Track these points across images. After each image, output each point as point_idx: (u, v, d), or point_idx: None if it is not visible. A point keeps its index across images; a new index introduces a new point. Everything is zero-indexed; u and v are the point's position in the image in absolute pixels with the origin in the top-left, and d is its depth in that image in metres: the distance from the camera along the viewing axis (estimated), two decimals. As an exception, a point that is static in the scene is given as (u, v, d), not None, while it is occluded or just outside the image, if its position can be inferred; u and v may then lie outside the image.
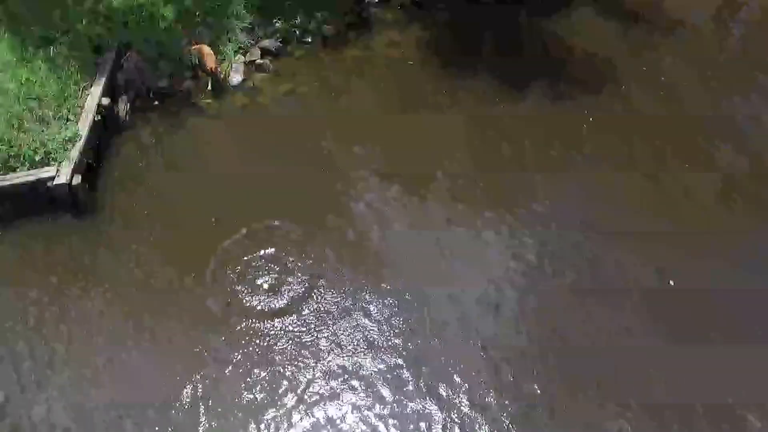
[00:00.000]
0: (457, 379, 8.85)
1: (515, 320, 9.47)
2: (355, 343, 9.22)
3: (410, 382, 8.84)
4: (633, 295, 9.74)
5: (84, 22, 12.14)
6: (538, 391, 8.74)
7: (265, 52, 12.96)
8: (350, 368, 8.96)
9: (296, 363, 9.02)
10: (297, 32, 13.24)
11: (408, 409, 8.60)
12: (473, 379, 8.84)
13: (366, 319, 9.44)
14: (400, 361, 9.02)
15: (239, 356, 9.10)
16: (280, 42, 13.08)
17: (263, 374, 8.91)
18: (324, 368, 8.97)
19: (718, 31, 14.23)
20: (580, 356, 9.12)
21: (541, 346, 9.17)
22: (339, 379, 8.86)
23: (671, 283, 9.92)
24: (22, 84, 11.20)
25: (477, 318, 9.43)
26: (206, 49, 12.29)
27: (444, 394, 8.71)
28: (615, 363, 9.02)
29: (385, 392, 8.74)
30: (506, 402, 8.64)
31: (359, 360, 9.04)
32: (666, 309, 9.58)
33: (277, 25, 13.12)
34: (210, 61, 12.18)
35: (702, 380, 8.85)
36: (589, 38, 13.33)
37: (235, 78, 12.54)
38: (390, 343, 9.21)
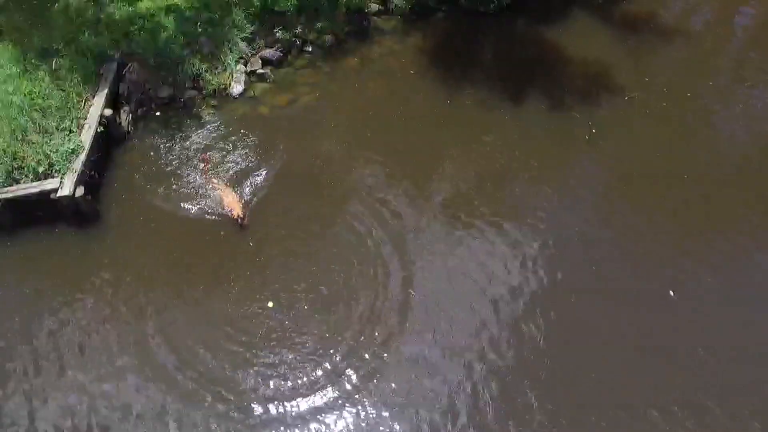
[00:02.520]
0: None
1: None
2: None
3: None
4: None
5: (86, 33, 12.24)
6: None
7: (266, 62, 13.01)
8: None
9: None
10: (298, 42, 13.29)
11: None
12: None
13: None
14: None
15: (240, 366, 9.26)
16: (280, 52, 13.13)
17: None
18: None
19: (719, 38, 14.19)
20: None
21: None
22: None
23: (672, 293, 10.01)
24: (25, 96, 11.31)
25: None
26: (229, 196, 10.84)
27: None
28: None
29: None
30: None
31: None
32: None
33: (277, 35, 13.16)
34: (235, 207, 10.64)
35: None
36: (590, 47, 13.31)
37: (237, 88, 12.59)
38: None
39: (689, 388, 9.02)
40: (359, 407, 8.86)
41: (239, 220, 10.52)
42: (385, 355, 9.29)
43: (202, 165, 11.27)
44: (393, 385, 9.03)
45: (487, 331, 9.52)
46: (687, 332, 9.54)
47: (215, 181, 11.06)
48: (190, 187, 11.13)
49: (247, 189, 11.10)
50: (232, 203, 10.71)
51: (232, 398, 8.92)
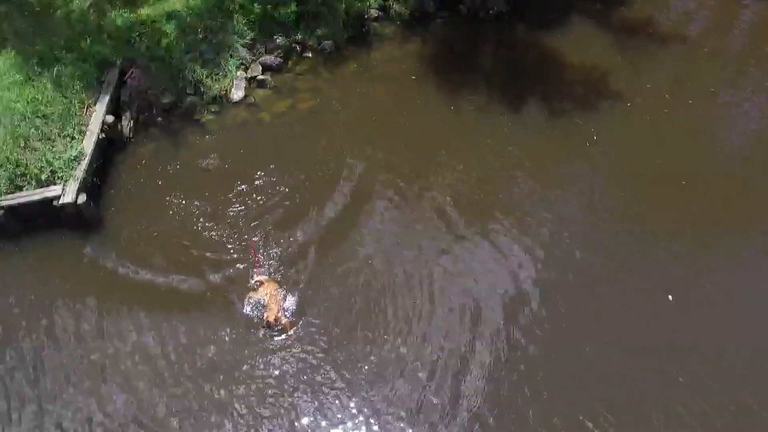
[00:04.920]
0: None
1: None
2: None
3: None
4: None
5: (88, 40, 12.33)
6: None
7: (266, 68, 13.10)
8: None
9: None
10: (298, 48, 13.37)
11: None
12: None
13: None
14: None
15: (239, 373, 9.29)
16: (280, 58, 13.22)
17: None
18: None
19: (718, 43, 14.14)
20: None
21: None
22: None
23: (670, 297, 10.06)
24: (28, 103, 11.43)
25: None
26: (272, 289, 9.42)
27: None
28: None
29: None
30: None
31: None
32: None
33: (277, 41, 13.24)
34: (271, 311, 9.19)
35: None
36: (590, 53, 13.32)
37: (237, 94, 12.66)
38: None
39: (686, 390, 9.08)
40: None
41: (278, 326, 9.17)
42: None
43: (251, 253, 10.04)
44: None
45: (481, 331, 9.60)
46: (684, 336, 9.58)
47: (260, 274, 9.78)
48: (191, 196, 11.17)
49: (246, 196, 11.17)
50: (272, 304, 9.20)
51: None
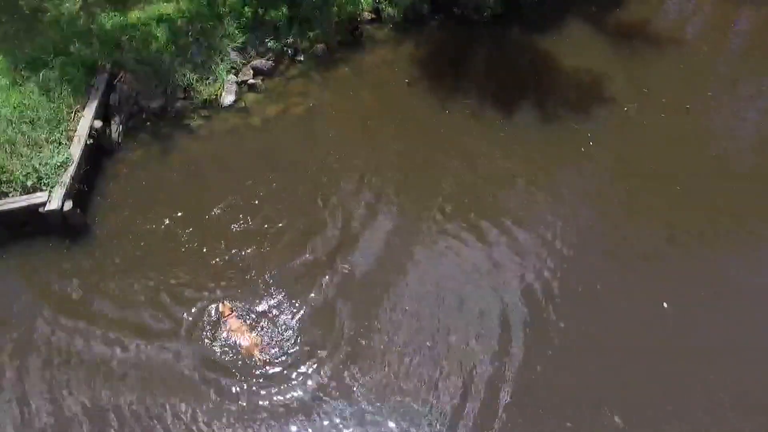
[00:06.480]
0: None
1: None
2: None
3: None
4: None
5: (77, 44, 12.18)
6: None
7: (257, 72, 12.95)
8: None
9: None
10: (289, 51, 13.24)
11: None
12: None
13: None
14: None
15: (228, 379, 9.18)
16: (272, 62, 13.07)
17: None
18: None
19: (715, 46, 14.04)
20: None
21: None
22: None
23: (665, 305, 9.93)
24: (14, 108, 11.23)
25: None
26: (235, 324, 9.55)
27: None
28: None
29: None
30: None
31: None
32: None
33: (269, 44, 13.11)
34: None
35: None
36: (585, 56, 13.24)
37: (228, 98, 12.51)
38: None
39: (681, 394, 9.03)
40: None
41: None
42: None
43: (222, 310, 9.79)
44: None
45: (474, 337, 9.52)
46: (680, 341, 9.48)
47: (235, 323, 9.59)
48: (180, 205, 10.98)
49: (235, 203, 11.01)
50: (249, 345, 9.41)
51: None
